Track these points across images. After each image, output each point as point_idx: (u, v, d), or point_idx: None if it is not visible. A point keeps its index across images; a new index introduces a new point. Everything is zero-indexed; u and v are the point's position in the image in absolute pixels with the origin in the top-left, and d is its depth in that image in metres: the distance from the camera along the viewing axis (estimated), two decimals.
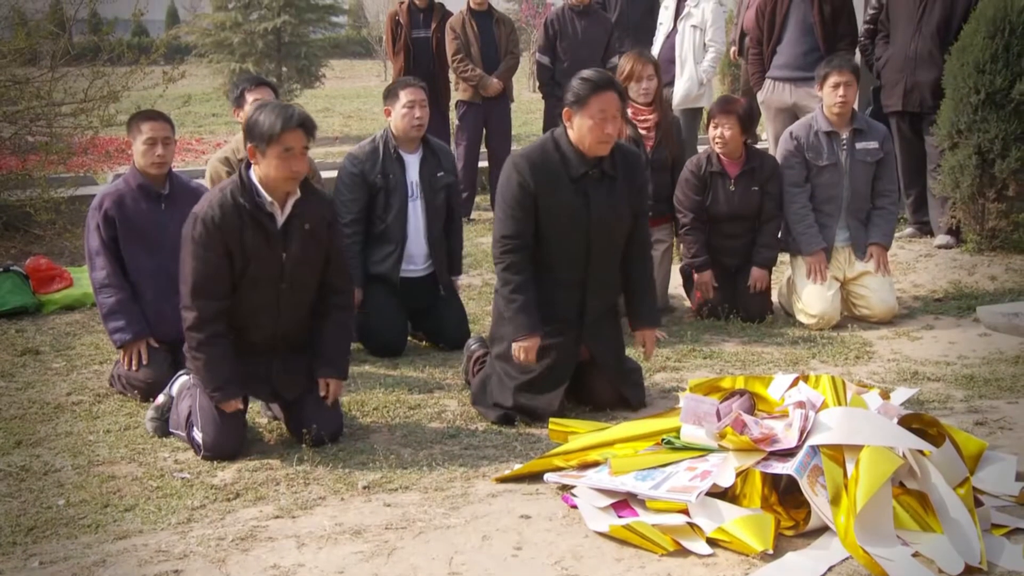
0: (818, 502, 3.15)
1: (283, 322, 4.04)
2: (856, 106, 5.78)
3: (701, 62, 8.10)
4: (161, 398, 4.23)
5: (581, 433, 3.88)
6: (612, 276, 4.44)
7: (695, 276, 5.79)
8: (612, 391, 4.41)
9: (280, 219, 3.92)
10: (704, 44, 8.20)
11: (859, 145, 5.67)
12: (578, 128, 4.22)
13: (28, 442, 4.13)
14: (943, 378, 4.74)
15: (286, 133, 3.77)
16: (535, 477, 3.66)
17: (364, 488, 3.64)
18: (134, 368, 4.57)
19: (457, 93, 8.43)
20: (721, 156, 5.69)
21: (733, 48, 9.39)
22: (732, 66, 10.68)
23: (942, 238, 6.71)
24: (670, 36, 8.28)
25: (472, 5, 8.26)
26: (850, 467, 3.19)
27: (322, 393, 4.08)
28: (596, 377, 4.43)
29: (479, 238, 7.74)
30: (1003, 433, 4.03)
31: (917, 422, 3.44)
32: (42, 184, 7.27)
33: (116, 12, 9.19)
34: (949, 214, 6.59)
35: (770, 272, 5.85)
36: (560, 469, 3.65)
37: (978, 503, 3.28)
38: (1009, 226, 6.38)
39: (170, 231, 4.40)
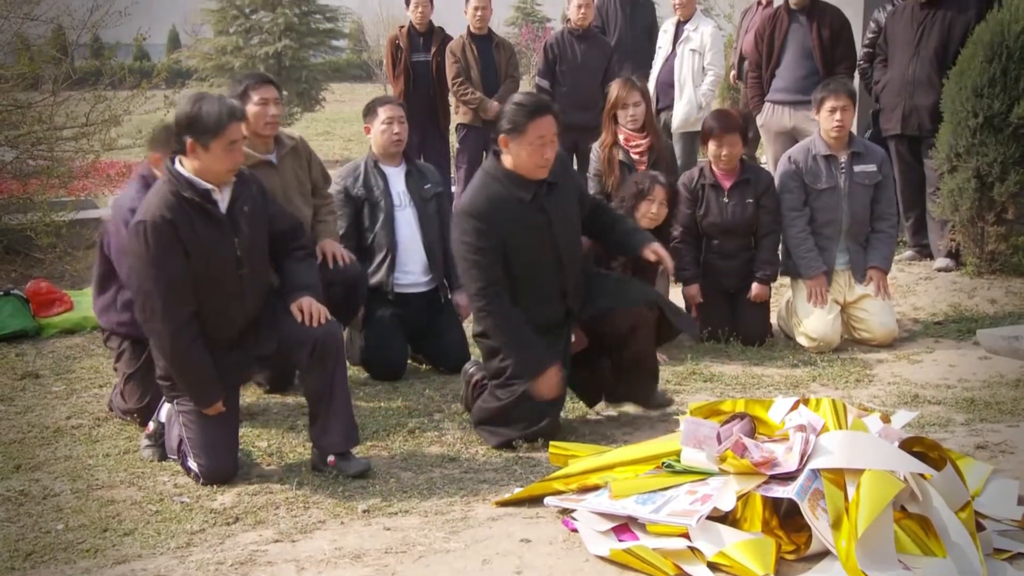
0: (819, 526, 3.14)
1: (249, 307, 4.01)
2: (855, 129, 5.80)
3: (700, 86, 8.14)
4: (151, 425, 4.21)
5: (581, 456, 3.87)
6: (581, 274, 4.46)
7: (682, 290, 5.80)
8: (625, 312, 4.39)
9: (223, 205, 3.91)
10: (703, 68, 8.25)
11: (857, 168, 5.70)
12: (516, 155, 4.21)
13: (27, 466, 4.12)
14: (944, 401, 4.74)
15: (231, 126, 3.80)
16: (535, 501, 3.65)
17: (364, 512, 3.64)
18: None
19: (457, 116, 8.45)
20: (714, 169, 5.73)
21: (732, 72, 9.43)
22: (731, 89, 10.72)
23: (942, 261, 6.71)
24: (669, 60, 8.32)
25: (472, 29, 8.30)
26: (851, 491, 3.18)
27: (298, 318, 3.95)
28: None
29: None
30: (1004, 457, 4.03)
31: (918, 445, 3.43)
32: (43, 208, 7.29)
33: (118, 37, 9.22)
34: (948, 237, 6.60)
35: (770, 288, 5.85)
36: (560, 493, 3.64)
37: (980, 527, 3.27)
38: (1008, 249, 6.38)
39: None
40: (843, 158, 5.69)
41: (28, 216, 7.31)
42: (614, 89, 5.83)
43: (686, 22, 8.34)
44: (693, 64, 8.21)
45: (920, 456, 3.35)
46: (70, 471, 4.06)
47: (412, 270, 5.39)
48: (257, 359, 4.14)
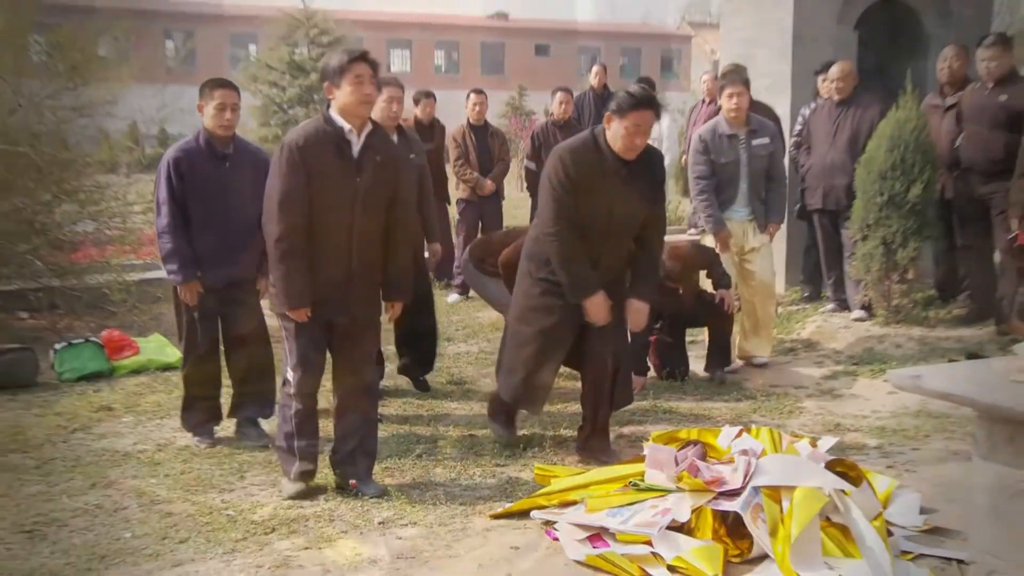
0: (759, 534, 3.13)
1: (356, 246, 3.83)
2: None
3: None
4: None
5: (562, 477, 3.86)
6: (621, 253, 4.29)
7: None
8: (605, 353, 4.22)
9: (356, 148, 3.83)
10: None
11: (755, 143, 5.87)
12: (613, 132, 4.12)
13: (101, 484, 4.09)
14: (860, 429, 4.74)
15: (354, 63, 3.77)
16: (523, 514, 3.64)
17: (380, 523, 3.61)
18: (191, 302, 4.49)
19: (457, 192, 8.50)
20: None
21: (684, 156, 9.53)
22: (683, 170, 10.84)
23: (857, 313, 6.74)
24: None
25: (471, 120, 8.38)
26: (786, 504, 3.19)
27: (388, 317, 4.01)
28: (593, 337, 4.23)
29: (476, 312, 7.76)
30: (909, 474, 4.03)
31: (840, 466, 3.44)
32: (117, 270, 7.30)
33: (181, 129, 9.29)
34: (862, 293, 6.64)
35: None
36: (544, 507, 3.63)
37: (890, 533, 3.27)
38: (910, 303, 6.46)
39: (231, 186, 4.41)
40: (743, 135, 5.85)
41: (104, 277, 7.31)
42: None
43: None
44: None
45: (841, 475, 3.36)
46: (136, 488, 4.03)
47: None
48: (345, 311, 3.93)
